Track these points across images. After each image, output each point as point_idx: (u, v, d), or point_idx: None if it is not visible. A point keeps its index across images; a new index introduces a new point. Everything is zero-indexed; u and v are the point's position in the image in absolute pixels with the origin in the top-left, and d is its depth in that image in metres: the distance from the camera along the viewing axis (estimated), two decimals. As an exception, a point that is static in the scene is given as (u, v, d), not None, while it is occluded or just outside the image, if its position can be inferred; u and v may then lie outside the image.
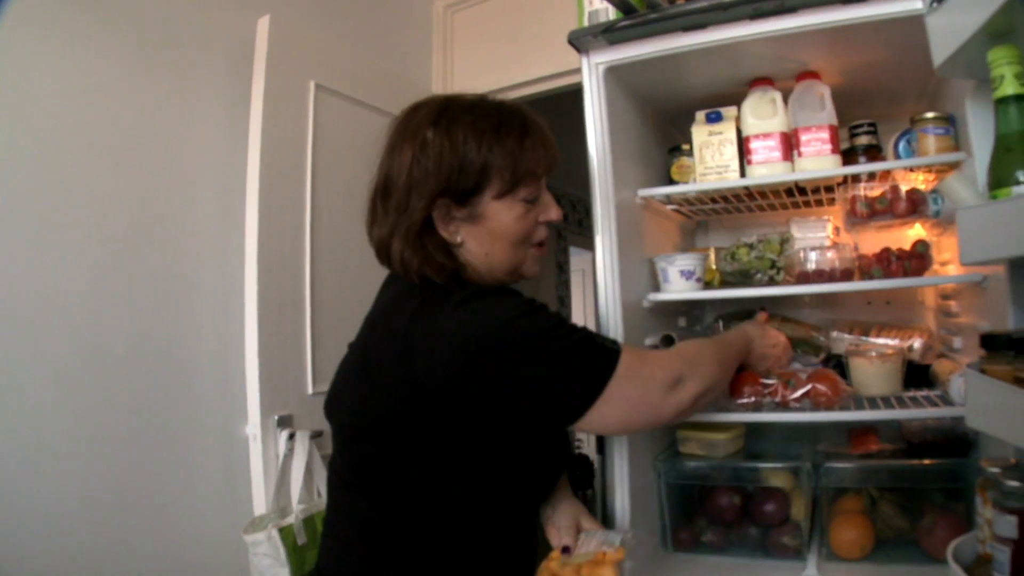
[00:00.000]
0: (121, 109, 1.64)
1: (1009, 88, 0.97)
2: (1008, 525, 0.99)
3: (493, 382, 0.91)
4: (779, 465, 1.57)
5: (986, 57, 0.99)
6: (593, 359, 0.96)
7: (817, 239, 1.66)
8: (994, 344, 1.04)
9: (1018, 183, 0.96)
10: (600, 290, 1.50)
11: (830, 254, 1.49)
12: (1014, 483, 1.00)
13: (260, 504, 1.76)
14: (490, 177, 0.98)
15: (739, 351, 1.30)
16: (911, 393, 1.54)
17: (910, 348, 1.67)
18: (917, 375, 1.60)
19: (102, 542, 1.52)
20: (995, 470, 1.05)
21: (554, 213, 1.05)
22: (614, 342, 1.01)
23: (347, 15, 2.37)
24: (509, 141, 0.99)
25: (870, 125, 1.64)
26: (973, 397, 1.08)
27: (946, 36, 1.06)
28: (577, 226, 5.63)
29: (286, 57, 1.94)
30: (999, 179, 0.99)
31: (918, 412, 1.43)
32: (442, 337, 0.91)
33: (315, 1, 2.24)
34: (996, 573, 1.01)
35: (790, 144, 1.54)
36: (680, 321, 1.90)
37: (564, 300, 5.40)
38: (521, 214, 1.01)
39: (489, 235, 1.01)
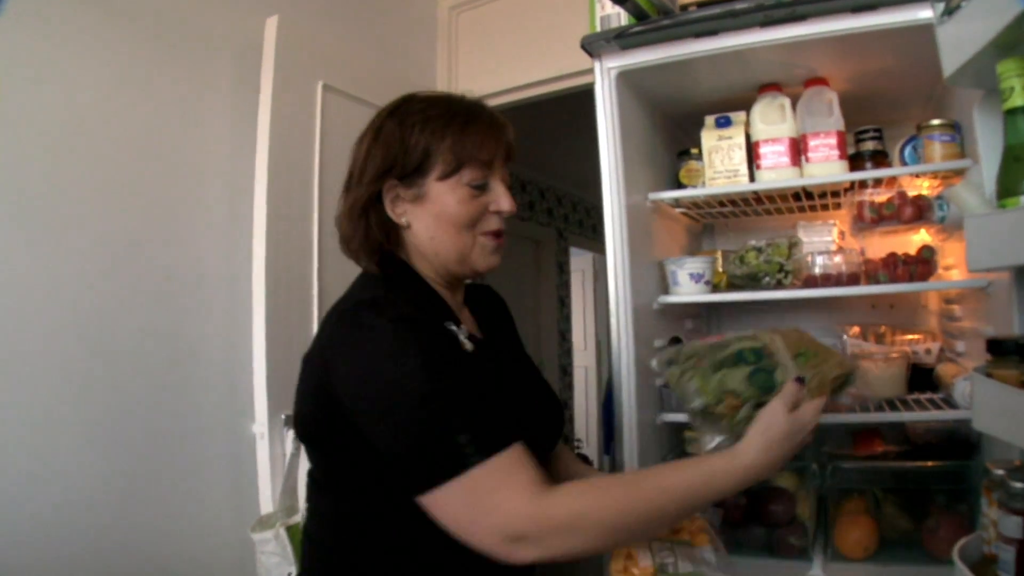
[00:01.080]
0: (130, 109, 1.65)
1: (1019, 100, 0.99)
2: (1014, 525, 1.00)
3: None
4: (788, 465, 1.58)
5: (995, 68, 1.01)
6: (434, 454, 0.83)
7: (823, 243, 1.68)
8: (1001, 349, 1.06)
9: (1026, 192, 0.99)
10: (611, 293, 1.52)
11: (837, 258, 1.51)
12: (1020, 484, 1.02)
13: (267, 502, 1.76)
14: (433, 158, 0.99)
15: (705, 491, 0.92)
16: (915, 396, 1.56)
17: (927, 351, 1.70)
18: (921, 378, 1.63)
19: (108, 540, 1.53)
20: (1001, 472, 1.07)
21: (505, 203, 1.03)
22: (483, 447, 0.83)
23: (354, 16, 2.38)
24: (454, 125, 1.00)
25: (876, 131, 1.66)
26: (980, 400, 1.10)
27: (956, 47, 1.08)
28: (577, 227, 5.66)
29: (294, 57, 1.95)
30: (1008, 188, 1.01)
31: (923, 415, 1.46)
32: (339, 352, 0.92)
33: (323, 2, 2.25)
34: (1001, 573, 1.03)
35: (798, 149, 1.56)
36: (687, 324, 1.92)
37: (564, 300, 5.42)
38: (464, 198, 1.00)
39: (434, 218, 1.01)
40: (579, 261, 5.92)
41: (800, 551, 1.55)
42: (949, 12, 1.10)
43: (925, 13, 1.25)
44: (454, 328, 0.99)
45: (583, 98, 1.68)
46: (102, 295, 1.56)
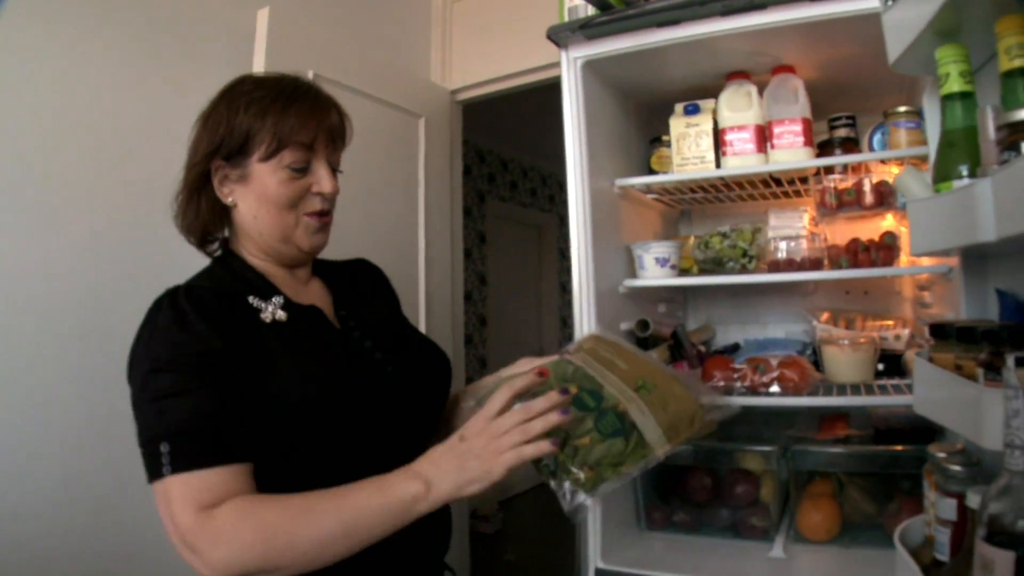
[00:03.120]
0: (123, 102, 1.68)
1: (954, 86, 1.01)
2: (948, 508, 1.02)
3: None
4: (749, 448, 1.61)
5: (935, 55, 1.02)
6: (146, 454, 0.88)
7: (794, 229, 1.69)
8: (942, 333, 1.08)
9: (960, 177, 1.00)
10: (574, 276, 1.55)
11: (801, 243, 1.52)
12: (956, 467, 1.04)
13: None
14: (255, 139, 1.01)
15: (370, 518, 0.86)
16: (881, 381, 1.57)
17: (896, 337, 1.71)
18: (891, 364, 1.64)
19: (104, 534, 1.55)
20: (941, 455, 1.08)
21: (326, 185, 1.04)
22: (177, 461, 0.85)
23: (346, 5, 2.41)
24: (276, 107, 1.01)
25: (848, 118, 1.66)
26: (918, 383, 1.12)
27: (899, 32, 1.09)
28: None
29: (285, 48, 1.98)
30: (942, 173, 1.02)
31: (884, 399, 1.47)
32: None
33: (316, -8, 2.28)
34: (936, 554, 1.05)
35: (764, 136, 1.57)
36: (660, 308, 1.94)
37: (565, 286, 5.44)
38: (285, 179, 1.01)
39: (256, 197, 1.02)
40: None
41: (762, 532, 1.57)
42: (892, -2, 1.11)
43: (874, 2, 1.26)
44: (257, 302, 1.01)
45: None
46: (99, 288, 1.59)
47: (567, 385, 0.97)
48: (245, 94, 1.03)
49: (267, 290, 1.03)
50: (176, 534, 0.84)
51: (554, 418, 0.90)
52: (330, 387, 0.97)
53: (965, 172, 1.00)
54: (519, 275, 4.77)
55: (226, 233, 1.10)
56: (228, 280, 1.04)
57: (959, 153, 1.00)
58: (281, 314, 1.01)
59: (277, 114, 1.01)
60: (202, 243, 1.09)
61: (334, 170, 1.07)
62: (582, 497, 0.92)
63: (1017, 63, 0.86)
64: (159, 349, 0.92)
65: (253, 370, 0.93)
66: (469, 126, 3.04)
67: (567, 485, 0.92)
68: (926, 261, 1.61)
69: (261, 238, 1.05)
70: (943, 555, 1.03)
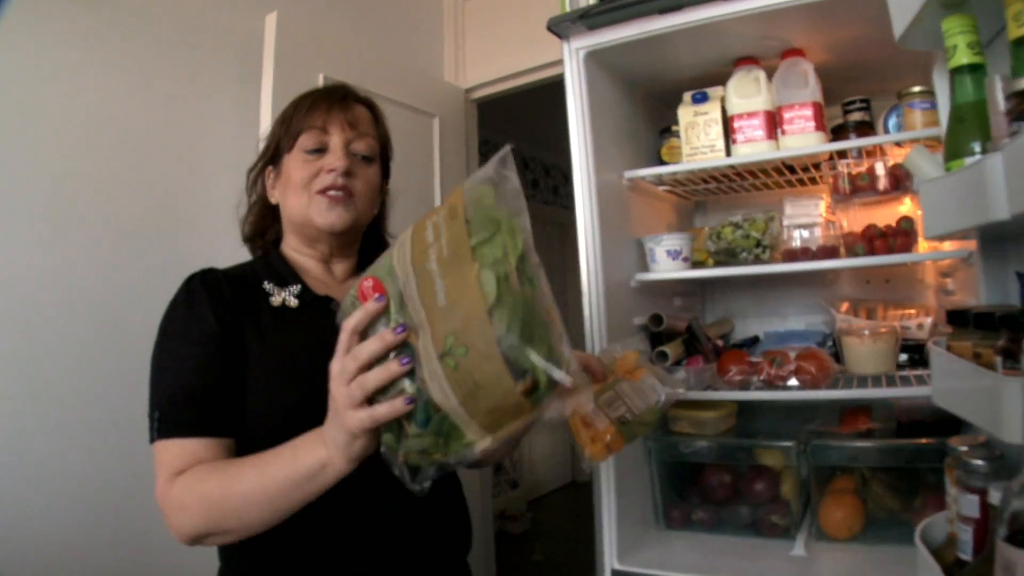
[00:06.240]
0: (134, 106, 1.70)
1: (963, 58, 0.96)
2: (971, 504, 0.97)
3: None
4: (769, 443, 1.56)
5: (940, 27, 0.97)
6: (149, 417, 0.96)
7: (811, 217, 1.64)
8: (961, 320, 1.03)
9: (972, 154, 0.95)
10: (582, 271, 1.52)
11: (816, 232, 1.47)
12: (978, 462, 0.99)
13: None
14: (285, 138, 1.09)
15: (285, 488, 0.83)
16: (904, 372, 1.52)
17: (919, 327, 1.65)
18: (914, 354, 1.58)
19: (122, 535, 1.56)
20: (963, 448, 1.03)
21: (332, 160, 1.06)
22: (163, 428, 0.93)
23: (355, 6, 2.40)
24: (297, 104, 1.11)
25: (863, 102, 1.61)
26: (937, 374, 1.07)
27: (903, 5, 1.04)
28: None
29: (294, 51, 1.99)
30: (953, 151, 0.98)
31: (906, 391, 1.42)
32: None
33: (322, -6, 2.28)
34: (960, 553, 1.00)
35: (774, 122, 1.52)
36: (676, 302, 1.90)
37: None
38: (301, 163, 1.07)
39: (284, 186, 1.09)
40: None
41: (783, 530, 1.53)
42: (895, -29, 1.07)
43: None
44: (271, 287, 1.05)
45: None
46: (111, 288, 1.61)
47: (405, 317, 0.74)
48: (286, 108, 1.12)
49: (289, 279, 1.07)
50: (156, 495, 0.91)
51: (393, 368, 0.72)
52: (296, 378, 0.97)
53: (977, 148, 0.95)
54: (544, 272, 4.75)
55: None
56: (254, 267, 1.10)
57: (970, 128, 0.95)
58: (292, 301, 1.05)
59: (295, 107, 1.11)
60: (249, 240, 1.19)
61: (364, 158, 1.11)
62: (409, 482, 0.76)
63: (1026, 29, 0.81)
64: (167, 322, 1.00)
65: (248, 351, 0.98)
66: (488, 125, 3.03)
67: (398, 461, 0.76)
68: (946, 246, 1.55)
69: (291, 224, 1.11)
70: (966, 554, 0.98)
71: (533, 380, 0.68)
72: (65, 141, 1.57)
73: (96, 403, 1.57)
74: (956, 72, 0.97)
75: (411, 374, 0.72)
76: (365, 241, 1.20)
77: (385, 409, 0.73)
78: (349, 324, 0.76)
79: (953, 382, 1.00)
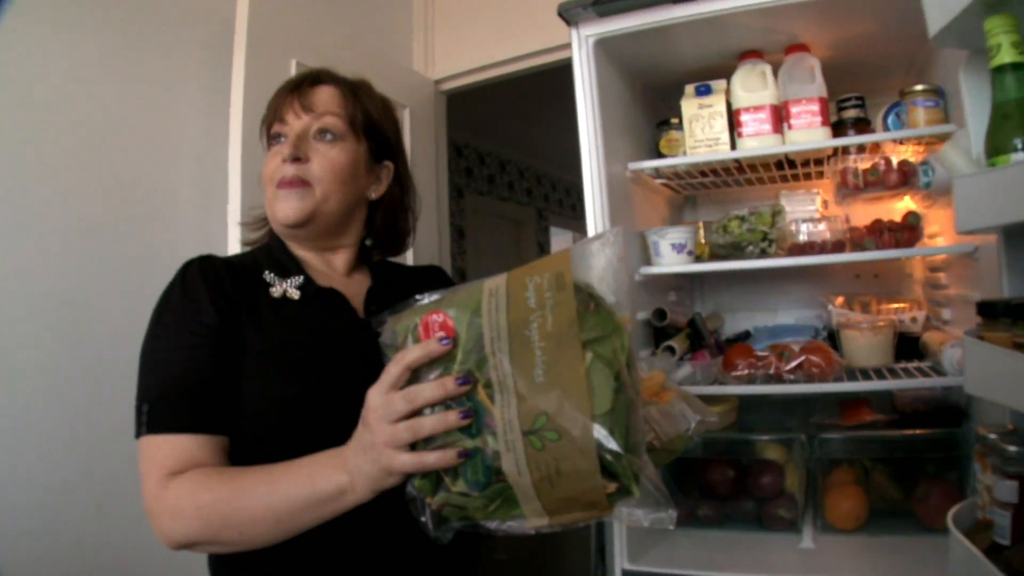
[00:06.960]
0: (99, 91, 1.60)
1: (1007, 56, 0.97)
2: (1009, 490, 0.99)
3: None
4: (772, 437, 1.57)
5: (981, 26, 0.98)
6: (136, 409, 0.89)
7: (806, 212, 1.66)
8: (993, 311, 1.04)
9: (1016, 150, 0.96)
10: (593, 266, 1.49)
11: (822, 226, 1.49)
12: (1014, 448, 1.01)
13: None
14: (263, 136, 1.08)
15: (297, 509, 0.80)
16: (903, 364, 1.55)
17: (912, 320, 1.68)
18: (908, 347, 1.62)
19: (86, 539, 1.48)
20: (994, 436, 1.05)
21: (281, 149, 1.02)
22: (153, 422, 0.87)
23: (327, -9, 2.32)
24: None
25: (858, 99, 1.63)
26: (972, 364, 1.08)
27: (942, 5, 1.05)
28: (557, 206, 5.63)
29: (267, 36, 1.89)
30: (997, 147, 0.99)
31: (911, 382, 1.44)
32: None
33: (297, -21, 2.19)
34: (997, 538, 1.02)
35: (780, 117, 1.53)
36: (671, 296, 1.89)
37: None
38: (268, 156, 1.05)
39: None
40: (559, 241, 5.90)
41: (790, 523, 1.54)
42: (934, -31, 1.07)
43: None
44: (271, 277, 1.00)
45: (561, 74, 1.64)
46: (76, 283, 1.52)
47: (473, 368, 0.69)
48: None
49: (291, 269, 1.03)
50: (144, 494, 0.85)
51: (452, 419, 0.69)
52: (295, 371, 0.93)
53: (1020, 145, 0.97)
54: (498, 269, 4.71)
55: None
56: (254, 256, 1.06)
57: (1014, 125, 0.97)
58: (294, 292, 1.00)
59: (269, 102, 1.07)
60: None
61: (325, 137, 1.02)
62: (432, 530, 0.73)
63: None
64: (161, 310, 0.94)
65: (245, 343, 0.92)
66: (446, 119, 2.97)
67: (427, 508, 0.73)
68: (942, 241, 1.60)
69: (268, 217, 1.06)
70: (1004, 538, 1.00)
71: (621, 487, 0.67)
72: (22, 128, 1.45)
73: (60, 400, 1.48)
74: (998, 71, 0.98)
75: (467, 427, 0.69)
76: (372, 227, 1.13)
77: (435, 458, 0.70)
78: (405, 359, 0.72)
79: (996, 371, 1.01)
